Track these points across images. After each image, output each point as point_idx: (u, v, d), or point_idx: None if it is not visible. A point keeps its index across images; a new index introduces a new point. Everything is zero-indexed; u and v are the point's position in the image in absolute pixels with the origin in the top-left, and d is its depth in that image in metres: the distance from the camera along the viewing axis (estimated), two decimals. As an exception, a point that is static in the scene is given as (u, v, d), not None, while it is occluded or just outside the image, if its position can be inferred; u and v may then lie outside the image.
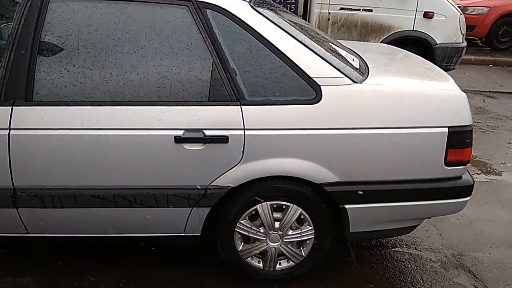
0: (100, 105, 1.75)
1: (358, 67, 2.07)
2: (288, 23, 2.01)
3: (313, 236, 1.99)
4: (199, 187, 1.85)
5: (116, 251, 2.21)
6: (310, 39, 2.00)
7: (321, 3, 5.14)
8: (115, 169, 1.79)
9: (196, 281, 2.08)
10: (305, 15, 5.20)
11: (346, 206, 1.92)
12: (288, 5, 5.12)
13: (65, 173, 1.77)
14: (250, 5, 1.91)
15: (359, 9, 5.31)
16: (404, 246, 2.45)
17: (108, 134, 1.75)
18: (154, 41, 1.80)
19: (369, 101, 1.87)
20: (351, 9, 5.28)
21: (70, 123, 1.72)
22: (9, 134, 1.70)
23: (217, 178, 1.84)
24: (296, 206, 1.94)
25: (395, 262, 2.31)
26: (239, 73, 1.82)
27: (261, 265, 2.04)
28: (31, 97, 1.72)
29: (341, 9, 5.20)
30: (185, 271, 2.14)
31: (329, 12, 5.19)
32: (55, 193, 1.78)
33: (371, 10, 5.33)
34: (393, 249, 2.42)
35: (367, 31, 5.40)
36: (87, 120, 1.73)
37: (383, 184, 1.93)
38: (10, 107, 1.71)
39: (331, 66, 1.88)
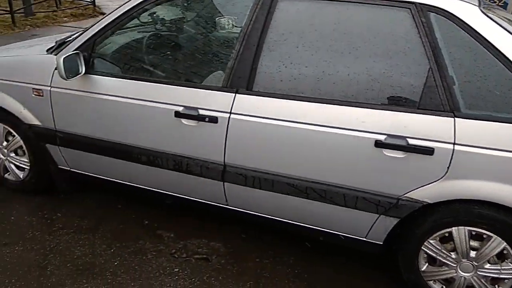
0: (309, 101, 1.84)
1: None
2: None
3: (515, 277, 1.74)
4: (391, 196, 1.79)
5: (291, 239, 2.33)
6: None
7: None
8: (312, 162, 1.87)
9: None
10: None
11: None
12: (497, 7, 4.51)
13: (268, 158, 1.93)
14: (480, 10, 1.73)
15: None
16: None
17: (312, 129, 1.82)
18: (370, 43, 1.80)
19: None
20: None
21: (281, 115, 1.86)
22: (229, 117, 1.93)
23: (413, 190, 1.76)
24: (500, 239, 1.71)
25: None
26: (457, 82, 1.68)
27: (444, 292, 1.89)
28: (252, 87, 1.92)
29: None
30: (357, 276, 2.12)
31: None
32: (256, 175, 1.97)
33: None
34: None
35: None
36: (296, 114, 1.84)
37: None
38: (234, 94, 1.94)
39: None
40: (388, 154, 1.74)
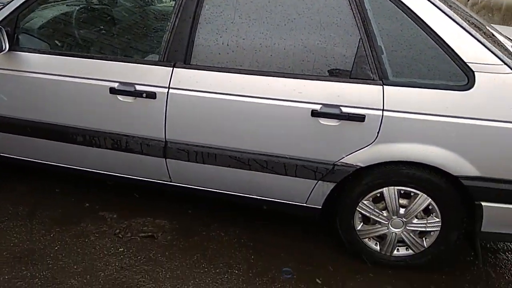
0: (247, 74, 1.86)
1: (517, 55, 1.87)
2: (444, 3, 1.88)
3: (439, 229, 1.92)
4: (327, 162, 1.89)
5: (235, 210, 2.38)
6: (466, 21, 1.86)
7: (461, -18, 4.70)
8: (253, 134, 1.91)
9: (309, 252, 2.16)
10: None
11: (483, 203, 1.80)
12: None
13: (210, 132, 1.94)
14: (406, -18, 1.82)
15: (505, -10, 4.73)
16: (538, 256, 2.23)
17: (251, 101, 1.85)
18: (304, 15, 1.84)
19: (530, 94, 1.70)
20: (495, -10, 4.74)
21: (220, 88, 1.87)
22: (168, 92, 1.90)
23: (347, 155, 1.86)
24: (425, 196, 1.87)
25: (525, 271, 2.12)
26: (385, 51, 1.78)
27: (378, 248, 2.04)
28: (189, 61, 1.89)
29: (484, -11, 4.70)
30: (300, 240, 2.23)
31: (469, -7, 4.72)
32: (199, 150, 1.97)
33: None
34: (523, 257, 2.22)
35: None
36: (235, 86, 1.86)
37: (529, 186, 1.77)
38: (171, 68, 1.90)
39: (489, 52, 1.73)
40: (323, 123, 1.82)
